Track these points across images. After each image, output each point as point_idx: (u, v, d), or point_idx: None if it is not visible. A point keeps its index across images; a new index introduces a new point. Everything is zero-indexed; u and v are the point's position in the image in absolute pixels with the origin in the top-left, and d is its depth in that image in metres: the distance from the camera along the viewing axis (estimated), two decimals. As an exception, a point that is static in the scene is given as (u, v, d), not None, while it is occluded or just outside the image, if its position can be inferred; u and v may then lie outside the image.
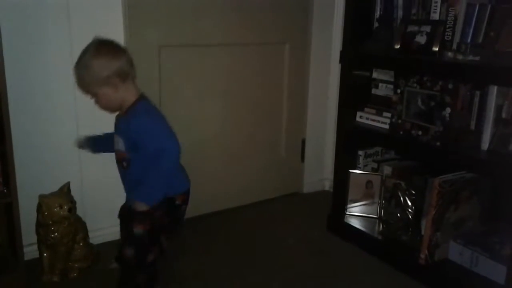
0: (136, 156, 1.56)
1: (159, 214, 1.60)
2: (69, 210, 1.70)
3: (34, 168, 1.82)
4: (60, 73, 1.82)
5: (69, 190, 1.76)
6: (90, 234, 1.88)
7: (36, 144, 1.82)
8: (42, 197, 1.69)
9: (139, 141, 1.54)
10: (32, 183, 1.76)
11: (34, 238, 1.75)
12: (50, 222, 1.68)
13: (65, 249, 1.74)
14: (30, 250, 1.79)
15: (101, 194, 1.99)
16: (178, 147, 1.54)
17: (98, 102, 1.58)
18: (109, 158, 2.00)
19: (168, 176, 1.56)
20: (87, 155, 1.92)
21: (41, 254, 1.76)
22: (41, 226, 1.71)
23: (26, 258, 1.71)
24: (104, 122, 1.95)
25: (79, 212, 1.82)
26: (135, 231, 1.57)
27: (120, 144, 1.60)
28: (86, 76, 1.52)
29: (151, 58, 2.02)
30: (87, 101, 1.88)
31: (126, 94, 1.57)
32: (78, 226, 1.79)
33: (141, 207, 1.54)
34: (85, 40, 1.82)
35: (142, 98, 1.60)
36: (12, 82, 1.58)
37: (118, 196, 2.06)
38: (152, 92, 2.04)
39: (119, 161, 1.65)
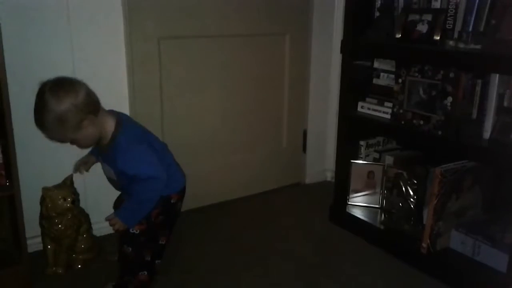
0: (129, 180, 1.57)
1: (154, 213, 1.62)
2: (73, 202, 1.71)
3: (37, 160, 1.82)
4: (61, 65, 1.81)
5: (72, 182, 1.77)
6: (93, 226, 1.89)
7: (38, 136, 1.82)
8: (45, 189, 1.69)
9: (128, 172, 1.54)
10: (34, 175, 1.77)
11: (37, 231, 1.76)
12: (54, 214, 1.69)
13: (69, 241, 1.75)
14: (34, 243, 1.80)
15: (103, 186, 1.99)
16: (163, 175, 1.55)
17: (78, 145, 1.55)
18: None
19: (151, 202, 1.58)
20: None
21: (45, 246, 1.76)
22: (44, 218, 1.71)
23: (30, 250, 1.72)
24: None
25: (82, 204, 1.83)
26: (131, 231, 1.60)
27: (111, 172, 1.62)
28: (59, 129, 1.45)
29: (151, 50, 2.01)
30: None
31: (104, 126, 1.54)
32: (82, 218, 1.80)
33: (121, 225, 1.57)
34: (85, 32, 1.84)
35: (119, 126, 1.55)
36: (13, 75, 1.58)
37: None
38: (152, 84, 2.05)
39: (113, 184, 1.69)
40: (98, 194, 1.98)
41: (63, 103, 1.41)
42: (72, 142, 1.54)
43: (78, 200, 1.77)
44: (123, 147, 1.52)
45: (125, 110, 1.98)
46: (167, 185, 1.60)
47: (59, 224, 1.71)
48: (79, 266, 1.80)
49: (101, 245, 1.90)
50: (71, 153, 1.90)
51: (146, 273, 1.64)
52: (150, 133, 1.71)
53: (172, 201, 1.68)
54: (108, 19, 1.88)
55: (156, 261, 1.69)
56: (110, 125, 1.54)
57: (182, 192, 1.73)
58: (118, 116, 1.60)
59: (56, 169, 1.82)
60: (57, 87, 1.44)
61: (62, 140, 1.53)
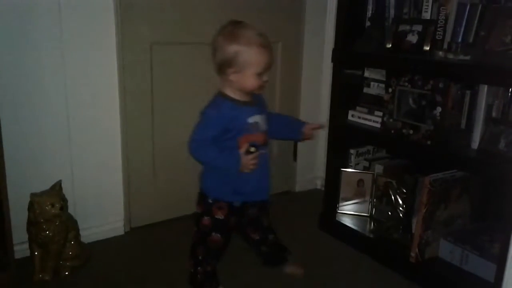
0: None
1: None
2: (61, 208, 1.69)
3: (25, 166, 1.81)
4: (52, 72, 1.81)
5: (60, 188, 1.75)
6: (81, 233, 1.87)
7: (27, 142, 1.81)
8: (33, 195, 1.68)
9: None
10: (23, 181, 1.75)
11: (24, 237, 1.74)
12: (42, 220, 1.67)
13: (57, 247, 1.73)
14: (21, 249, 1.78)
15: (92, 193, 1.99)
16: None
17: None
18: (100, 156, 2.00)
19: None
20: (78, 154, 1.92)
21: (32, 252, 1.74)
22: (32, 224, 1.70)
23: (17, 256, 1.70)
24: (95, 121, 1.95)
25: (70, 210, 1.81)
26: None
27: (265, 124, 1.60)
28: None
29: (143, 55, 2.01)
30: (79, 100, 1.89)
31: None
32: (70, 225, 1.78)
33: None
34: (77, 38, 1.83)
35: None
36: (2, 81, 1.56)
37: (109, 194, 2.06)
38: (143, 89, 2.05)
39: (265, 144, 1.61)
40: (86, 201, 1.97)
41: None
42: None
43: (67, 206, 1.76)
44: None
45: (116, 114, 1.98)
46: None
47: (47, 230, 1.69)
48: (67, 273, 1.78)
49: (89, 252, 1.89)
50: (60, 159, 1.89)
51: None
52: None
53: None
54: (100, 23, 1.88)
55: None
56: None
57: None
58: None
59: (45, 175, 1.81)
60: None
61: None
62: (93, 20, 1.86)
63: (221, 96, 1.58)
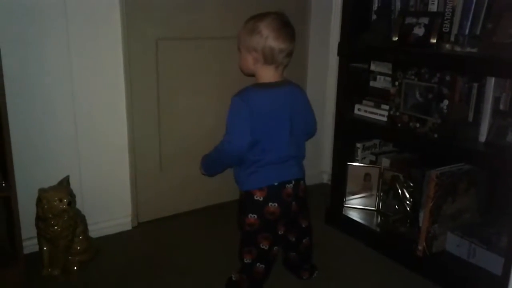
0: None
1: (245, 212, 1.61)
2: (69, 203, 1.70)
3: (33, 161, 1.82)
4: (58, 67, 1.81)
5: (68, 183, 1.76)
6: (89, 228, 1.88)
7: (35, 138, 1.82)
8: (41, 190, 1.69)
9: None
10: (31, 176, 1.77)
11: (33, 232, 1.75)
12: (50, 215, 1.68)
13: (65, 242, 1.74)
14: (30, 244, 1.80)
15: (100, 188, 2.00)
16: (235, 148, 1.58)
17: (239, 58, 1.66)
18: (107, 151, 2.01)
19: (215, 162, 1.72)
20: (86, 149, 1.93)
21: (41, 248, 1.76)
22: (40, 220, 1.71)
23: (26, 252, 1.71)
24: (101, 116, 1.96)
25: (78, 205, 1.83)
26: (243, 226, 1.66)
27: None
28: (242, 34, 1.60)
29: (149, 51, 2.01)
30: (85, 95, 1.90)
31: (260, 73, 1.64)
32: (78, 220, 1.79)
33: (200, 167, 1.78)
34: (82, 32, 1.84)
35: (260, 86, 1.63)
36: (10, 76, 1.57)
37: (116, 189, 2.07)
38: (149, 84, 2.05)
39: None
40: (94, 196, 1.98)
41: (265, 29, 1.59)
42: (238, 52, 1.66)
43: (75, 202, 1.77)
44: (239, 92, 1.64)
45: (122, 110, 1.99)
46: (247, 180, 1.60)
47: (55, 226, 1.70)
48: (75, 267, 1.79)
49: (97, 247, 1.90)
50: (67, 155, 1.90)
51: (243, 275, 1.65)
52: (274, 116, 1.62)
53: (255, 198, 1.57)
54: (105, 19, 1.88)
55: (258, 264, 1.62)
56: (263, 78, 1.65)
57: (268, 190, 1.57)
58: (271, 84, 1.65)
59: (52, 170, 1.82)
60: (282, 22, 1.66)
61: (237, 42, 1.65)
62: (98, 17, 1.86)
63: None
